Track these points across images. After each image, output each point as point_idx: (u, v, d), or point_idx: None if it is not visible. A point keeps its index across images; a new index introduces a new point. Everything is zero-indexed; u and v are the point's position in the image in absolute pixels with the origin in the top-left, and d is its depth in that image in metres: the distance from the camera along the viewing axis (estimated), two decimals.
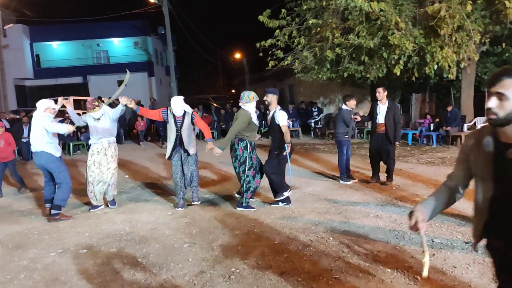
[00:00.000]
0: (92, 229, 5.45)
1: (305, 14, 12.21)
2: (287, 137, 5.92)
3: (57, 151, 5.95)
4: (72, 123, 6.84)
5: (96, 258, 4.45)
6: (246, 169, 6.02)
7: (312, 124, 15.99)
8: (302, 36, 12.13)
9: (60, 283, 3.89)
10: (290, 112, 16.01)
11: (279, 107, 6.17)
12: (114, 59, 33.23)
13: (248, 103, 6.01)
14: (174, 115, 6.23)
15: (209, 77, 43.12)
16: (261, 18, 12.20)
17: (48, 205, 6.15)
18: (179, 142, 6.25)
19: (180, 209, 6.26)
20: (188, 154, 6.28)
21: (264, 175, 6.18)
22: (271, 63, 12.35)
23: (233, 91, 42.34)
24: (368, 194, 6.79)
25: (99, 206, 6.45)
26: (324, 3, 10.76)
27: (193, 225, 5.48)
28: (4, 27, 25.11)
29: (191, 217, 5.86)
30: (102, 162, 6.33)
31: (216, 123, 17.39)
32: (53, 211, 5.90)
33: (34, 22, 29.95)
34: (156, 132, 16.69)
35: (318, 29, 11.54)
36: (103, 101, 6.78)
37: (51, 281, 3.94)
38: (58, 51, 33.09)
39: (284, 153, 5.91)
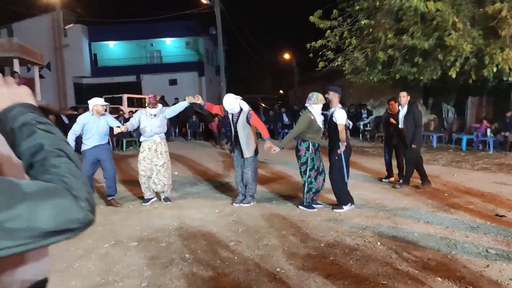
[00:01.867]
0: (143, 223, 5.65)
1: (357, 14, 12.03)
2: (342, 135, 5.85)
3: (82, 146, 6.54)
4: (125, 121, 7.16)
5: (146, 251, 4.61)
6: (308, 169, 6.02)
7: (361, 127, 15.71)
8: (354, 37, 11.96)
9: (112, 274, 4.06)
10: None
11: (340, 106, 6.11)
12: (166, 58, 34.18)
13: (316, 104, 6.00)
14: (231, 114, 6.36)
15: (258, 77, 43.39)
16: (312, 18, 12.14)
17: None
18: (235, 139, 6.36)
19: (236, 204, 6.42)
20: (242, 156, 6.35)
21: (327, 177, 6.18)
22: (321, 64, 12.26)
23: (281, 91, 42.36)
24: (418, 199, 6.58)
25: (150, 199, 6.72)
26: (377, 3, 10.55)
27: (240, 223, 5.54)
28: (65, 27, 26.43)
29: (238, 215, 5.93)
30: (153, 158, 6.53)
31: (265, 123, 17.46)
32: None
33: (93, 22, 31.40)
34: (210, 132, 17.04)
35: (371, 29, 11.33)
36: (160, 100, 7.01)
37: (103, 271, 4.12)
38: (114, 50, 34.46)
39: (338, 151, 5.86)
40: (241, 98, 6.47)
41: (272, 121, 17.84)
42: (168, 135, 13.74)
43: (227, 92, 8.65)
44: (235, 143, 6.41)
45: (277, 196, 7.04)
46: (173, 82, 32.19)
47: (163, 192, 6.69)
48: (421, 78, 11.60)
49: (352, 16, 12.24)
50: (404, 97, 7.32)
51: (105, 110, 6.69)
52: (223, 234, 5.13)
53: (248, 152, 6.33)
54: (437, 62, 10.79)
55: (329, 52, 12.17)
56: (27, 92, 0.96)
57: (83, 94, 31.24)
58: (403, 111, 7.34)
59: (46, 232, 0.78)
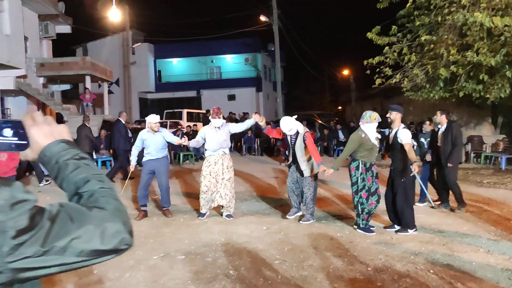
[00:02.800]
0: (191, 237, 5.76)
1: (417, 30, 11.66)
2: (412, 155, 5.58)
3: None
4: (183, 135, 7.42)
5: (192, 265, 4.68)
6: (358, 190, 5.86)
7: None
8: (414, 53, 11.58)
9: (159, 285, 4.16)
10: None
11: (402, 125, 5.90)
12: (225, 74, 35.06)
13: (368, 123, 5.83)
14: (289, 135, 6.43)
15: (316, 93, 43.13)
16: (369, 35, 11.94)
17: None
18: (293, 159, 6.43)
19: (289, 217, 6.45)
20: (302, 175, 6.35)
21: (382, 198, 5.99)
22: (378, 81, 11.96)
23: (339, 108, 41.81)
24: (480, 226, 6.17)
25: (205, 214, 6.80)
26: (439, 19, 10.18)
27: (286, 242, 5.49)
28: (133, 46, 27.90)
29: (285, 233, 5.88)
30: (218, 172, 6.58)
31: (320, 140, 17.31)
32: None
33: (158, 41, 32.92)
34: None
35: (432, 45, 10.91)
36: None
37: (151, 282, 4.24)
38: (176, 67, 35.87)
39: (411, 174, 5.65)
40: (296, 115, 6.60)
41: (328, 138, 17.61)
42: None
43: (284, 108, 8.73)
44: (294, 163, 6.48)
45: (327, 216, 6.91)
46: (231, 97, 32.86)
47: (227, 207, 6.71)
48: (488, 96, 10.96)
49: (412, 32, 11.88)
50: (437, 116, 7.23)
51: (162, 126, 7.04)
52: (268, 252, 5.11)
53: (307, 171, 6.33)
54: (505, 79, 10.16)
55: (387, 68, 11.86)
56: (66, 130, 1.07)
57: (147, 108, 32.69)
58: (441, 129, 7.14)
59: (102, 251, 0.90)
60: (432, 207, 7.33)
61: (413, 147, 6.06)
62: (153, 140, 6.78)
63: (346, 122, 22.61)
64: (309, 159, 6.37)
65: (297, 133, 6.36)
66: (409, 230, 5.75)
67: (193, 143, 6.92)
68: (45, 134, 1.03)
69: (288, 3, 41.04)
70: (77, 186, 0.99)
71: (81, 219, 0.88)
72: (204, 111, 20.75)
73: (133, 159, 7.06)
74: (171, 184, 7.59)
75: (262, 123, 6.52)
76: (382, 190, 6.09)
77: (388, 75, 11.91)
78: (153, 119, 6.81)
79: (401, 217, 5.82)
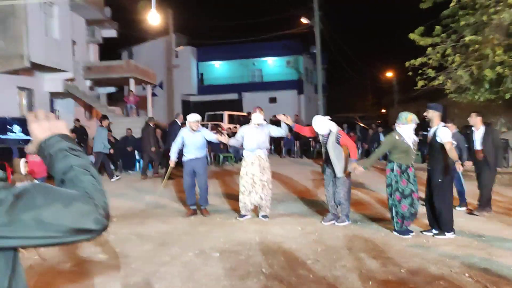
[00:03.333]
0: (226, 235, 5.88)
1: (462, 30, 11.31)
2: (453, 154, 5.43)
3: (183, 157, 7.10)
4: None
5: (226, 262, 4.79)
6: (392, 191, 5.79)
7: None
8: (458, 54, 11.24)
9: (193, 281, 4.29)
10: None
11: (442, 124, 5.75)
12: (267, 77, 35.22)
13: (404, 124, 5.73)
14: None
15: (358, 95, 42.54)
16: (411, 36, 11.72)
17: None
18: (326, 159, 6.40)
19: (325, 223, 6.39)
20: (335, 176, 6.33)
21: (419, 203, 5.91)
22: (420, 83, 11.72)
23: (383, 110, 41.00)
24: None
25: (245, 216, 6.77)
26: (485, 18, 9.84)
27: (320, 242, 5.50)
28: (176, 49, 28.61)
29: (319, 234, 5.89)
30: (256, 173, 6.63)
31: (361, 143, 17.09)
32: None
33: (201, 44, 33.57)
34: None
35: (477, 46, 10.57)
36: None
37: (185, 278, 4.38)
38: (218, 70, 36.42)
39: (458, 170, 5.52)
40: (330, 118, 6.53)
41: (370, 140, 17.36)
42: None
43: (325, 110, 8.76)
44: (327, 162, 6.45)
45: (363, 217, 6.85)
46: (272, 100, 32.97)
47: (264, 207, 6.75)
48: None
49: (456, 32, 11.54)
50: (472, 117, 7.04)
51: (202, 126, 7.28)
52: (302, 251, 5.14)
53: (339, 172, 6.28)
54: None
55: (430, 70, 11.58)
56: (64, 125, 1.18)
57: (189, 111, 33.29)
58: (478, 132, 6.94)
59: (70, 229, 0.96)
60: (471, 211, 7.09)
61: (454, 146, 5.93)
62: (193, 139, 6.95)
63: (389, 125, 22.15)
64: (342, 158, 6.30)
65: (330, 132, 6.35)
66: (446, 233, 5.61)
67: (232, 142, 7.07)
68: (43, 129, 1.14)
69: (330, 5, 40.76)
70: (63, 172, 1.07)
71: (50, 196, 0.95)
72: (245, 114, 20.97)
73: (173, 155, 7.20)
74: (210, 184, 7.76)
75: (288, 121, 6.61)
76: (422, 194, 5.97)
77: (431, 77, 11.63)
78: (192, 118, 6.98)
79: (438, 219, 5.68)
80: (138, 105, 19.31)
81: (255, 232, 6.04)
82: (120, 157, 13.38)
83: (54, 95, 17.23)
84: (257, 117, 6.74)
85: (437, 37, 11.53)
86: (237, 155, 15.00)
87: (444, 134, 5.54)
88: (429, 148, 5.88)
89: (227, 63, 36.10)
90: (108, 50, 26.91)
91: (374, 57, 50.81)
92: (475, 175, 7.22)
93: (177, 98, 31.18)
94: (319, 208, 7.51)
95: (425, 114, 5.86)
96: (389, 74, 36.16)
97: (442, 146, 5.54)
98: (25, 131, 1.31)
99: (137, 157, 13.38)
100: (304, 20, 22.42)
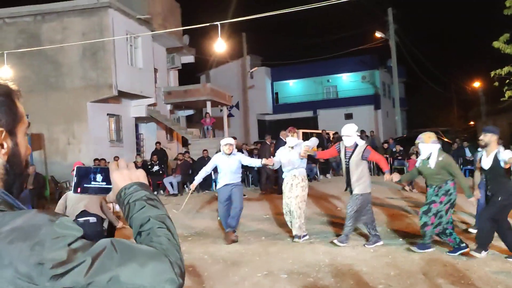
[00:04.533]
0: (295, 256, 5.86)
1: None
2: None
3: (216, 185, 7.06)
4: None
5: (293, 284, 4.78)
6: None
7: None
8: None
9: None
10: None
11: (502, 148, 5.45)
12: (342, 93, 34.78)
13: (423, 143, 5.74)
14: (345, 146, 6.24)
15: (442, 108, 40.31)
16: (496, 44, 11.01)
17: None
18: (347, 175, 6.19)
19: (342, 244, 6.16)
20: (351, 193, 6.17)
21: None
22: (508, 94, 10.94)
23: (471, 123, 38.48)
24: None
25: (304, 236, 6.61)
26: None
27: (393, 266, 5.28)
28: (250, 71, 29.38)
29: (393, 257, 5.66)
30: (292, 191, 6.58)
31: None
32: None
33: (275, 64, 34.14)
34: None
35: None
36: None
37: None
38: (293, 88, 36.68)
39: None
40: (406, 133, 6.39)
41: (453, 156, 16.32)
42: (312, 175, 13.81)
43: (405, 125, 8.52)
44: (347, 179, 6.23)
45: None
46: (348, 116, 32.39)
47: (294, 224, 6.58)
48: None
49: None
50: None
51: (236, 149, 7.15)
52: (373, 275, 4.98)
53: (357, 189, 6.09)
54: None
55: None
56: (143, 174, 1.21)
57: (265, 130, 33.87)
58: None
59: None
60: None
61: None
62: (227, 163, 6.77)
63: (477, 139, 20.74)
64: (363, 175, 6.12)
65: (356, 146, 6.13)
66: (482, 251, 5.28)
67: (275, 162, 6.82)
68: (123, 177, 1.16)
69: (405, 16, 39.44)
70: (140, 224, 1.07)
71: (127, 255, 0.91)
72: (320, 131, 20.85)
73: (197, 179, 7.17)
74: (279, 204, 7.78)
75: (310, 152, 6.48)
76: None
77: None
78: (224, 141, 6.90)
79: (504, 241, 5.33)
80: (214, 126, 20.03)
81: (325, 253, 5.95)
82: None
83: (138, 120, 18.46)
84: (291, 141, 6.67)
85: None
86: (311, 174, 14.85)
87: (507, 154, 5.23)
88: (488, 173, 5.49)
89: (301, 81, 36.25)
90: (187, 74, 28.39)
91: (458, 67, 48.08)
92: None
93: (252, 117, 31.88)
94: (396, 230, 7.22)
95: (481, 138, 5.53)
96: (476, 85, 33.97)
97: (506, 170, 5.28)
98: (107, 179, 1.39)
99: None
100: (378, 34, 21.95)
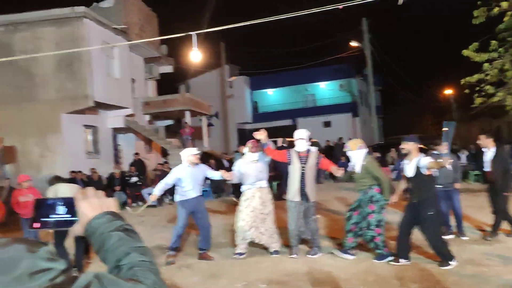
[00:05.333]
0: (275, 266, 5.85)
1: None
2: (438, 164, 5.14)
3: (176, 197, 6.46)
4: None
5: None
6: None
7: None
8: None
9: None
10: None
11: (423, 155, 5.54)
12: (320, 101, 35.16)
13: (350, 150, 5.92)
14: (298, 154, 6.13)
15: (416, 115, 41.17)
16: (465, 52, 11.30)
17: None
18: (302, 183, 6.05)
19: (295, 256, 6.11)
20: (308, 201, 6.11)
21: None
22: (478, 100, 11.22)
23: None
24: None
25: (243, 253, 6.31)
26: None
27: (371, 272, 5.34)
28: (229, 80, 29.45)
29: (371, 263, 5.71)
30: (257, 206, 6.23)
31: None
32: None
33: (254, 73, 34.39)
34: None
35: None
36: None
37: None
38: (272, 97, 36.91)
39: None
40: (382, 141, 6.45)
41: None
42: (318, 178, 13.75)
43: (381, 132, 8.53)
44: (301, 187, 6.07)
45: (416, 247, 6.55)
46: (327, 124, 32.74)
47: (270, 243, 6.33)
48: None
49: None
50: (481, 139, 6.77)
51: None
52: (351, 282, 5.02)
53: (313, 196, 6.17)
54: None
55: (489, 86, 11.06)
56: (114, 203, 1.13)
57: (245, 139, 33.81)
58: (489, 153, 6.64)
59: None
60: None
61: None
62: (193, 175, 6.31)
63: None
64: (313, 183, 6.20)
65: (308, 152, 6.16)
66: (450, 262, 5.32)
67: (235, 179, 6.52)
68: (93, 206, 1.07)
69: (379, 26, 40.32)
70: (118, 258, 1.00)
71: None
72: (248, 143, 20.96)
73: (157, 191, 6.58)
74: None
75: (261, 137, 5.94)
76: None
77: (490, 93, 11.11)
78: (191, 151, 6.40)
79: (436, 252, 5.42)
80: (194, 136, 19.95)
81: (304, 262, 5.96)
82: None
83: (116, 131, 18.24)
84: (253, 156, 6.31)
85: (494, 52, 11.04)
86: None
87: (426, 161, 5.32)
88: (412, 181, 5.57)
89: (280, 90, 36.52)
90: (166, 84, 28.22)
91: (430, 75, 49.27)
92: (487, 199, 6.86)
93: (232, 127, 31.88)
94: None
95: (402, 146, 5.65)
96: (448, 92, 34.82)
97: (428, 177, 5.38)
98: (71, 211, 1.23)
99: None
100: (353, 43, 22.33)
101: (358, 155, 5.87)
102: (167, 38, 16.45)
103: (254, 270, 5.71)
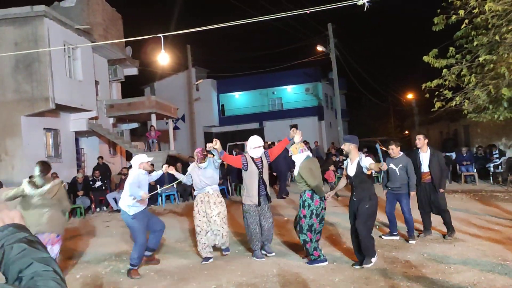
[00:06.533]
0: (244, 268, 5.86)
1: (477, 50, 11.25)
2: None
3: (131, 210, 5.85)
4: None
5: None
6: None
7: (491, 169, 14.21)
8: (474, 74, 11.15)
9: None
10: (464, 155, 14.59)
11: (363, 155, 5.79)
12: (287, 105, 35.53)
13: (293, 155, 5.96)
14: (252, 158, 6.23)
15: (380, 119, 42.28)
16: (426, 58, 11.69)
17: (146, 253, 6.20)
18: (260, 187, 6.22)
19: (261, 259, 6.20)
20: (269, 201, 6.33)
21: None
22: (438, 104, 11.62)
23: (406, 132, 40.57)
24: None
25: (210, 258, 6.33)
26: (497, 38, 9.78)
27: (338, 271, 5.44)
28: (196, 83, 29.27)
29: (338, 263, 5.82)
30: (207, 210, 6.29)
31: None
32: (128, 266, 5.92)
33: (221, 76, 34.32)
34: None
35: (492, 65, 10.47)
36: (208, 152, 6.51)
37: None
38: (238, 100, 36.97)
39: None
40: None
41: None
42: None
43: (346, 135, 8.68)
44: (260, 190, 6.22)
45: (384, 245, 6.72)
46: (293, 127, 33.07)
47: (223, 243, 6.42)
48: None
49: (471, 52, 11.47)
50: (420, 140, 7.11)
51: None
52: (319, 282, 5.09)
53: (269, 198, 6.38)
54: None
55: (447, 91, 11.49)
56: (18, 215, 1.10)
57: (211, 141, 33.70)
58: (425, 154, 6.99)
59: None
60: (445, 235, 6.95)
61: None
62: (146, 183, 6.11)
63: (412, 147, 21.89)
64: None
65: (261, 156, 6.32)
66: (372, 258, 5.58)
67: (184, 180, 6.58)
68: None
69: (344, 31, 41.14)
70: (20, 269, 0.97)
71: None
72: (269, 143, 21.07)
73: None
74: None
75: (216, 146, 6.05)
76: None
77: (448, 98, 11.54)
78: (145, 158, 6.10)
79: (362, 246, 5.59)
80: (160, 139, 19.69)
81: (273, 264, 6.00)
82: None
83: (79, 134, 17.77)
84: (201, 165, 6.36)
85: (452, 58, 11.48)
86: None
87: (368, 160, 5.55)
88: (354, 180, 5.77)
89: (247, 94, 36.64)
90: (131, 87, 27.80)
91: (393, 79, 50.81)
92: (422, 200, 7.12)
93: (199, 130, 31.68)
94: (333, 236, 7.43)
95: (342, 147, 5.91)
96: (409, 96, 35.95)
97: (367, 175, 5.59)
98: None
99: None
100: (319, 48, 22.69)
101: (298, 158, 5.89)
102: (132, 40, 16.20)
103: (224, 273, 5.70)
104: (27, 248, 0.98)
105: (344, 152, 5.90)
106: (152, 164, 6.52)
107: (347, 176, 5.93)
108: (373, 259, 5.58)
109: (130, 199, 5.84)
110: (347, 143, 5.74)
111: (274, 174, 13.79)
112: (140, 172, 6.01)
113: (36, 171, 5.49)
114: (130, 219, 5.86)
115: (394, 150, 6.94)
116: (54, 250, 5.47)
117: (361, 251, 5.64)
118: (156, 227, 6.24)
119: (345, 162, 6.08)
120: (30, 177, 5.59)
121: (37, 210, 5.33)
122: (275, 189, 14.11)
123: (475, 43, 10.93)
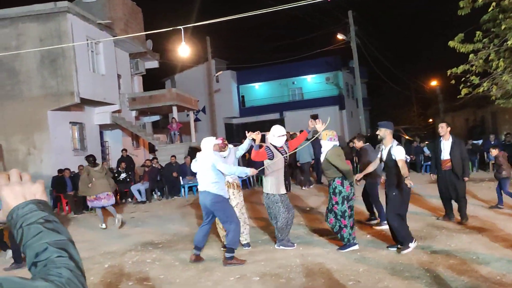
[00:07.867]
0: (267, 259, 5.87)
1: (505, 34, 10.88)
2: (405, 170, 5.40)
3: (222, 191, 5.80)
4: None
5: (266, 286, 4.80)
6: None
7: None
8: (502, 59, 10.80)
9: None
10: (492, 142, 14.21)
11: (396, 142, 5.76)
12: (307, 95, 35.25)
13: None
14: (275, 147, 6.18)
15: (403, 107, 41.49)
16: (451, 43, 11.38)
17: (195, 252, 6.02)
18: (286, 176, 6.27)
19: (293, 247, 6.26)
20: (289, 190, 6.38)
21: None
22: (464, 91, 11.33)
23: (430, 120, 39.77)
24: None
25: (247, 245, 6.53)
26: None
27: (362, 262, 5.39)
28: (215, 75, 29.31)
29: (361, 254, 5.77)
30: (231, 201, 6.29)
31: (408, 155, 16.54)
32: (227, 254, 5.77)
33: (240, 67, 34.32)
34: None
35: None
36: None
37: None
38: (259, 91, 36.87)
39: (409, 186, 5.29)
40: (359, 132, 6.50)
41: (415, 153, 16.85)
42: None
43: (368, 124, 8.61)
44: (285, 179, 6.27)
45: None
46: (314, 117, 32.58)
47: (244, 238, 6.45)
48: None
49: (499, 36, 11.11)
50: (443, 127, 7.14)
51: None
52: (342, 272, 5.06)
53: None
54: None
55: (474, 77, 11.18)
56: (41, 189, 1.01)
57: (232, 133, 33.87)
58: (447, 142, 7.05)
59: None
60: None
61: (406, 161, 5.86)
62: (231, 161, 6.40)
63: (437, 135, 21.47)
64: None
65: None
66: (410, 244, 5.61)
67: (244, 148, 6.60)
68: (15, 194, 0.97)
69: (365, 18, 40.50)
70: (36, 253, 0.91)
71: None
72: (291, 133, 20.98)
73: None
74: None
75: (256, 137, 6.21)
76: None
77: (476, 84, 11.23)
78: (215, 140, 6.03)
79: (397, 234, 5.67)
80: (181, 132, 19.84)
81: (296, 254, 5.99)
82: (166, 183, 13.76)
83: (103, 127, 18.07)
84: (224, 153, 6.33)
85: (479, 42, 11.15)
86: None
87: (399, 151, 5.57)
88: (385, 165, 5.88)
89: (267, 84, 36.49)
90: (152, 80, 28.04)
91: (417, 66, 49.64)
92: (442, 187, 7.19)
93: (219, 121, 31.79)
94: (361, 228, 7.37)
95: (377, 132, 5.90)
96: (433, 83, 35.15)
97: (396, 162, 5.56)
98: None
99: (181, 182, 13.70)
100: (340, 36, 22.38)
101: (325, 146, 5.96)
102: (152, 33, 16.31)
103: (247, 263, 5.71)
104: (43, 230, 0.91)
105: (378, 137, 5.95)
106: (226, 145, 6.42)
107: (381, 160, 5.98)
108: (411, 245, 5.60)
109: (229, 177, 6.15)
110: (383, 129, 5.81)
111: (298, 163, 13.76)
112: (217, 154, 5.94)
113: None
114: (227, 202, 5.86)
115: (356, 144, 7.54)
116: (111, 201, 9.14)
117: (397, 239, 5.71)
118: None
119: (381, 146, 6.08)
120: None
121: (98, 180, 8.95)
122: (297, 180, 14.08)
123: (503, 27, 10.57)
